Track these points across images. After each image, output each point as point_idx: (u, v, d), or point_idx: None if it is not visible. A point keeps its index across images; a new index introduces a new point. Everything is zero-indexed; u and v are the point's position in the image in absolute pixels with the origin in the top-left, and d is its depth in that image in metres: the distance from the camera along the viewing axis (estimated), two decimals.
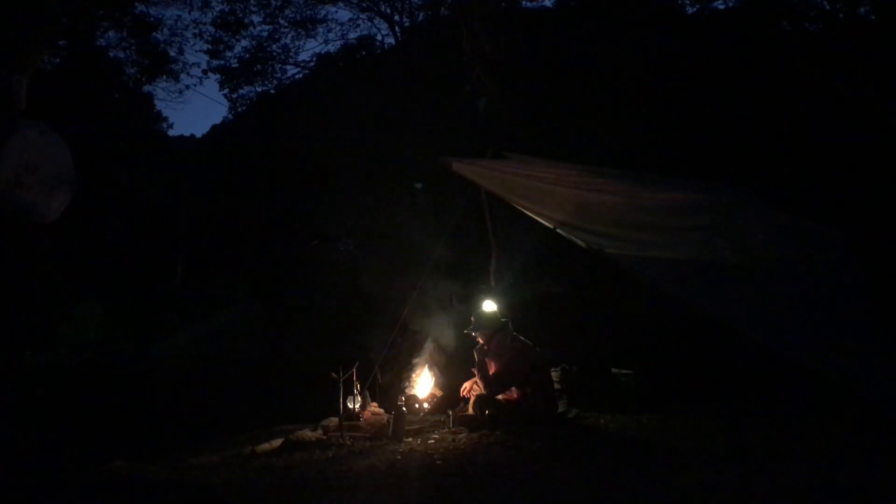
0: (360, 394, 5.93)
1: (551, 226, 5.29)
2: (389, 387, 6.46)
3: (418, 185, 10.36)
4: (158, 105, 17.23)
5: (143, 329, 11.51)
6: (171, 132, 18.80)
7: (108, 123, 13.15)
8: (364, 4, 15.52)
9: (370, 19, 16.25)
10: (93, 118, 12.38)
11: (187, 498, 3.80)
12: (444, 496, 3.61)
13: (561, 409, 5.68)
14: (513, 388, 5.42)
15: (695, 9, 12.99)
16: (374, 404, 6.18)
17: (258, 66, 16.39)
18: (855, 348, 4.29)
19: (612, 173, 6.36)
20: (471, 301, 6.62)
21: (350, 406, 5.73)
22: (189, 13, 16.90)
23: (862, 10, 11.41)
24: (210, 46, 15.96)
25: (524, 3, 14.29)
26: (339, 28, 19.20)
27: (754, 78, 10.00)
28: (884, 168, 8.47)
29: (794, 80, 9.83)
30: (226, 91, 16.98)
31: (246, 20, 15.67)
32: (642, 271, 4.82)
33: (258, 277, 12.51)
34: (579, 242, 5.10)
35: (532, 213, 5.39)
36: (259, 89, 16.97)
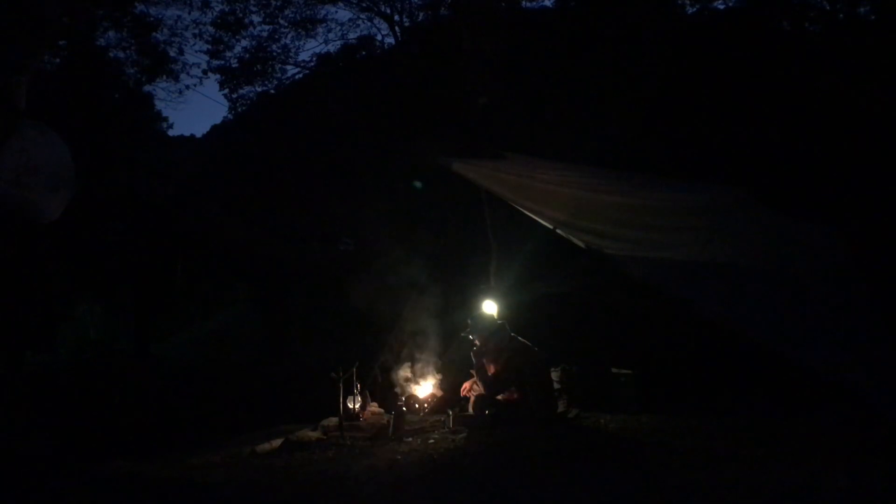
0: (360, 394, 5.93)
1: (551, 226, 5.30)
2: (389, 387, 6.46)
3: (418, 185, 10.35)
4: (158, 105, 17.18)
5: (143, 329, 11.51)
6: (171, 132, 18.78)
7: (108, 123, 13.14)
8: (364, 4, 15.53)
9: (370, 19, 16.25)
10: (93, 118, 12.36)
11: (187, 498, 3.81)
12: (444, 496, 3.61)
13: (561, 409, 5.68)
14: (513, 388, 5.42)
15: (695, 9, 12.99)
16: (374, 404, 6.18)
17: (258, 66, 16.38)
18: (853, 349, 4.30)
19: (612, 173, 6.38)
20: (469, 302, 6.61)
21: (350, 406, 5.73)
22: (189, 13, 16.83)
23: (862, 10, 11.42)
24: (210, 46, 15.96)
25: (524, 3, 14.31)
26: (339, 28, 19.14)
27: (754, 78, 10.00)
28: (883, 169, 8.46)
29: (793, 81, 9.83)
30: (226, 91, 16.97)
31: (246, 20, 15.68)
32: (642, 271, 4.84)
33: (258, 278, 12.52)
34: (579, 243, 5.11)
35: (532, 213, 5.40)
36: (259, 89, 16.97)
